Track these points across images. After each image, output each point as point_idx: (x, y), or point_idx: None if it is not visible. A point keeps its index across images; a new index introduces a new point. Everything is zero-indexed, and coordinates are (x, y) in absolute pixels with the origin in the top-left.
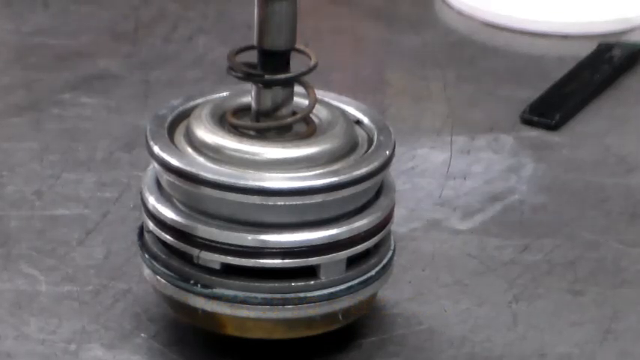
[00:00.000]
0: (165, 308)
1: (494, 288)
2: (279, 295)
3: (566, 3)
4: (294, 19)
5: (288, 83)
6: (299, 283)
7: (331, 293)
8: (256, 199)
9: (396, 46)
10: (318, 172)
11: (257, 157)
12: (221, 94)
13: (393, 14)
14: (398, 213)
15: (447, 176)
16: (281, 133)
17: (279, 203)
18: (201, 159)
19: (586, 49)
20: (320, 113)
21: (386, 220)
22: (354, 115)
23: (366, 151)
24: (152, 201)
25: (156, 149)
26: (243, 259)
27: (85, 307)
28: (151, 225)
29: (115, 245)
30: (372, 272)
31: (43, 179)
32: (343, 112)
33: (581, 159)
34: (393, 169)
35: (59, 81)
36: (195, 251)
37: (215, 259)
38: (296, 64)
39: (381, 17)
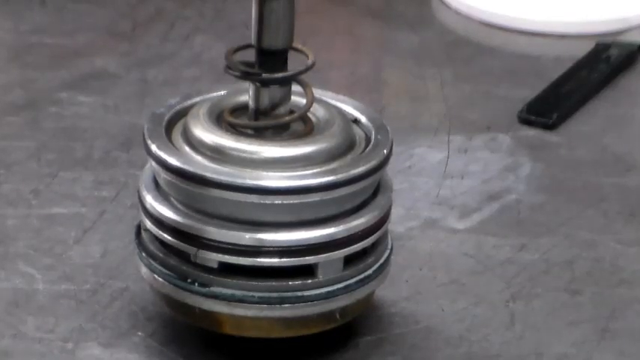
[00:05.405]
0: (162, 307)
1: (491, 287)
2: (276, 294)
3: (563, 3)
4: (292, 17)
5: (286, 82)
6: (296, 282)
7: (328, 292)
8: (254, 198)
9: (394, 45)
10: (315, 170)
11: (254, 156)
12: (218, 93)
13: (390, 13)
14: (395, 212)
15: (445, 175)
16: (278, 131)
17: (276, 202)
18: (198, 158)
19: (583, 49)
20: (317, 112)
21: (383, 219)
22: (351, 114)
23: (364, 150)
24: (149, 199)
25: (153, 148)
26: (241, 258)
27: (82, 305)
28: (148, 223)
29: (112, 244)
30: (370, 271)
31: (40, 178)
32: (340, 111)
33: (578, 158)
34: (390, 168)
35: (56, 80)
36: (192, 250)
37: (212, 258)
38: (293, 63)
39: (378, 16)
